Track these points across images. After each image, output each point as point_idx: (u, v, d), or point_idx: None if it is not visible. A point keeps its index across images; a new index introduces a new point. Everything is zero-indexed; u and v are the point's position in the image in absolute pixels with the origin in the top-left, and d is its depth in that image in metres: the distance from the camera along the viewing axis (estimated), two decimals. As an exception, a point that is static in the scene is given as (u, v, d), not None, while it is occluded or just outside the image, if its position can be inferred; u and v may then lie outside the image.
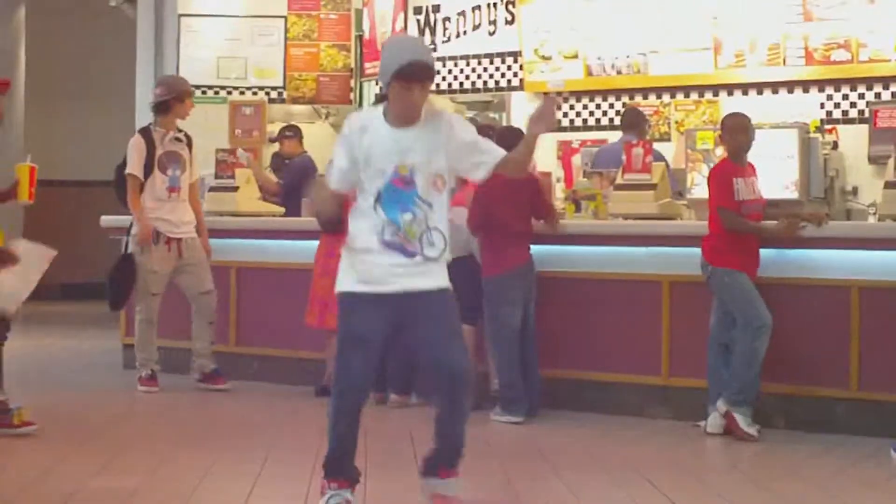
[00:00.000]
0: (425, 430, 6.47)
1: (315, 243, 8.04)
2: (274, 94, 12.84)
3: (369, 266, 4.86)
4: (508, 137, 7.53)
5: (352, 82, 12.81)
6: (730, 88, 10.50)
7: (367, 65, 12.51)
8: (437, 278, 4.88)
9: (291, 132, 11.35)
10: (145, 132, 8.66)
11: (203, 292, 8.48)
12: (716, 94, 10.54)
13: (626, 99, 11.08)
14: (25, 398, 6.62)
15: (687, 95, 10.72)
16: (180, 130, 8.68)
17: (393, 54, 4.79)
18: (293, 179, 10.45)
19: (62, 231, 16.06)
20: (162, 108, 8.60)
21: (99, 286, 8.85)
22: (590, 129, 11.21)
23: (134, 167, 8.51)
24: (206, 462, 5.99)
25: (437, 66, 12.03)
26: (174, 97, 8.58)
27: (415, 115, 4.79)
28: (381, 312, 4.83)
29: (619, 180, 8.05)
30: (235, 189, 9.27)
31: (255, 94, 12.80)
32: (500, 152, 4.90)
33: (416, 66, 4.71)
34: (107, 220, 9.58)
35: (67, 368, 9.93)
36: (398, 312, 4.84)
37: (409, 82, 4.71)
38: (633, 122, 9.80)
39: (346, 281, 4.95)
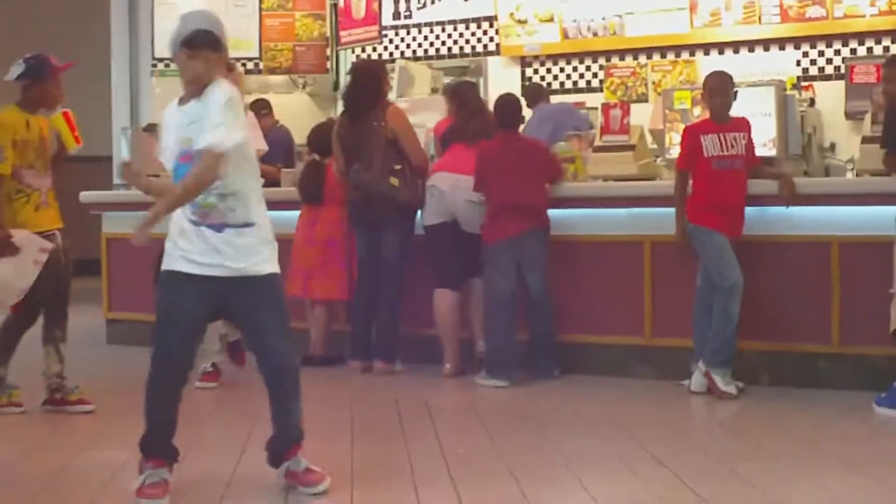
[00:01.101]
0: (411, 397, 6.53)
1: (295, 213, 8.05)
2: (250, 66, 12.80)
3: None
4: (502, 113, 7.59)
5: (328, 51, 12.78)
6: (706, 48, 10.55)
7: (342, 33, 12.48)
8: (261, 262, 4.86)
9: (266, 109, 11.29)
10: None
11: None
12: (692, 54, 10.59)
13: (602, 61, 11.10)
14: (11, 374, 6.61)
15: (664, 56, 10.76)
16: None
17: (180, 26, 4.77)
18: (276, 152, 10.43)
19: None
20: None
21: (80, 262, 8.84)
22: (567, 91, 11.24)
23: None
24: (193, 433, 5.99)
25: (413, 32, 12.10)
26: None
27: (195, 89, 4.73)
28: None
29: (597, 142, 8.07)
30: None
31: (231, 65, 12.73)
32: (205, 142, 4.65)
33: (199, 34, 4.70)
34: (86, 195, 9.55)
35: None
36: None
37: (192, 50, 4.69)
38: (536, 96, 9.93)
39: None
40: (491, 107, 7.82)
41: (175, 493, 4.85)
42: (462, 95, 8.03)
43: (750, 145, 7.00)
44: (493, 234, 7.36)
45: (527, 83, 11.41)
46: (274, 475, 4.99)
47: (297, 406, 4.94)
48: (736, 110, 7.08)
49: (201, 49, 4.70)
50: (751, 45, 10.38)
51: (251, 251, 4.81)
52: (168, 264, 4.91)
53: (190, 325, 4.88)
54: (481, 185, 7.39)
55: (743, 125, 7.05)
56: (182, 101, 4.80)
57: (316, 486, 4.88)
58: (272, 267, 4.88)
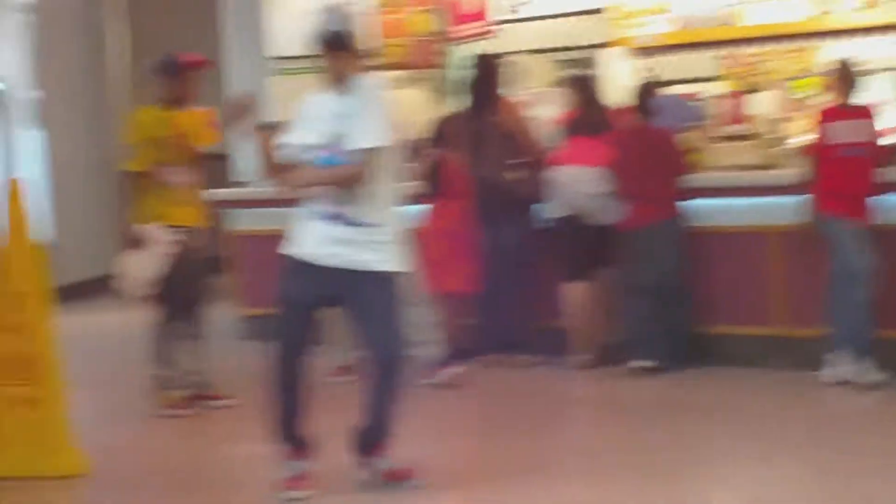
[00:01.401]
0: (543, 390, 6.50)
1: (420, 207, 8.13)
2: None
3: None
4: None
5: (439, 46, 12.81)
6: (825, 35, 10.39)
7: (454, 28, 12.50)
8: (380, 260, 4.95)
9: None
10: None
11: None
12: (811, 41, 10.43)
13: (717, 51, 11.00)
14: (142, 369, 6.77)
15: (781, 44, 10.62)
16: None
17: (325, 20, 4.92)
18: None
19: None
20: None
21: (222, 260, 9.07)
22: (682, 82, 11.13)
23: None
24: (327, 425, 6.08)
25: (527, 26, 12.07)
26: None
27: (338, 85, 4.86)
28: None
29: (715, 132, 8.03)
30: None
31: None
32: (360, 143, 4.84)
33: (335, 35, 4.87)
34: (215, 193, 9.72)
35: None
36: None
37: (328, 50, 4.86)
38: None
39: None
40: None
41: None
42: (581, 87, 8.05)
43: (877, 132, 6.92)
44: (623, 223, 7.44)
45: (640, 74, 11.36)
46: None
47: (393, 404, 4.98)
48: (859, 98, 7.01)
49: (338, 50, 4.77)
50: (869, 31, 10.23)
51: (374, 248, 4.86)
52: (288, 250, 5.00)
53: (305, 312, 4.94)
54: (613, 173, 7.44)
55: (868, 112, 6.99)
56: (328, 91, 4.90)
57: (410, 481, 4.97)
58: (392, 265, 4.93)
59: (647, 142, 7.48)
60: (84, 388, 6.29)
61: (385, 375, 4.93)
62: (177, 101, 6.79)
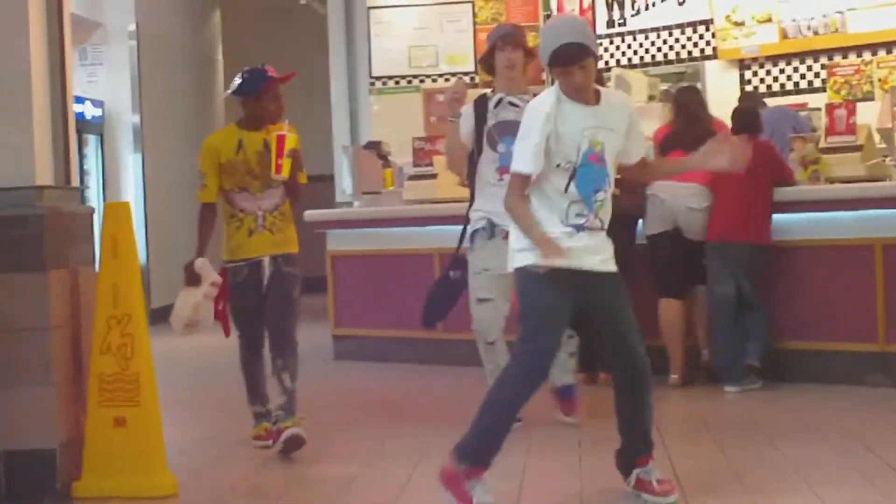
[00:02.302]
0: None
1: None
2: (466, 80, 12.89)
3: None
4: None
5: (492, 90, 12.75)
6: (935, 41, 10.15)
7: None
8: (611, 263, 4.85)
9: None
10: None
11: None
12: (921, 48, 10.20)
13: (824, 60, 10.80)
14: (243, 391, 6.78)
15: (889, 52, 10.40)
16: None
17: (546, 41, 4.66)
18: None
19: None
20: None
21: (306, 280, 9.03)
22: (788, 93, 10.97)
23: None
24: (422, 447, 6.05)
25: (628, 40, 12.00)
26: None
27: (585, 97, 4.67)
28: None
29: (823, 143, 7.85)
30: (434, 176, 9.31)
31: (447, 80, 12.87)
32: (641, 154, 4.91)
33: (564, 51, 4.57)
34: (311, 214, 9.76)
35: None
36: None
37: (566, 66, 4.60)
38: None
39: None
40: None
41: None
42: (680, 102, 7.93)
43: None
44: (714, 235, 7.43)
45: (745, 86, 11.21)
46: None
47: (650, 412, 4.88)
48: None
49: (585, 60, 4.62)
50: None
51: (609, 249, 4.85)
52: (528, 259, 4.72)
53: (562, 322, 4.80)
54: (713, 186, 7.38)
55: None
56: (573, 98, 4.67)
57: (667, 497, 4.82)
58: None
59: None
60: (173, 410, 6.34)
61: (645, 384, 4.84)
62: (256, 120, 6.23)
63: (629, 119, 4.79)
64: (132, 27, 13.38)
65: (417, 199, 9.29)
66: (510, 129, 5.65)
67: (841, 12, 10.53)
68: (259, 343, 6.36)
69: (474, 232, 6.44)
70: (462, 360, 8.70)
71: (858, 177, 7.53)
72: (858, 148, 7.66)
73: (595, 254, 4.75)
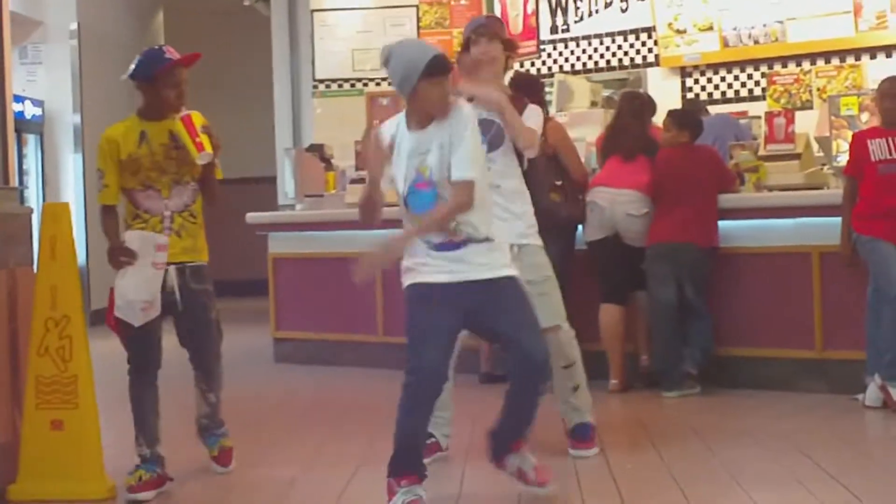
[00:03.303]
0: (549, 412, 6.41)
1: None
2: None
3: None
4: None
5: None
6: (872, 51, 10.27)
7: (500, 49, 12.49)
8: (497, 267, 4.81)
9: None
10: None
11: (549, 327, 5.50)
12: (858, 58, 10.32)
13: (764, 69, 10.91)
14: (182, 393, 6.72)
15: (828, 61, 10.51)
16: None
17: (413, 56, 4.73)
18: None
19: (208, 230, 16.48)
20: None
21: (247, 283, 8.99)
22: (729, 101, 11.06)
23: None
24: (361, 450, 6.06)
25: (571, 46, 12.05)
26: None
27: (441, 113, 4.71)
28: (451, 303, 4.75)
29: (761, 151, 7.93)
30: (376, 180, 9.29)
31: (390, 84, 12.84)
32: (462, 174, 4.70)
33: (438, 60, 4.68)
34: (252, 216, 9.73)
35: (223, 362, 10.07)
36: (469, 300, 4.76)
37: (441, 76, 4.68)
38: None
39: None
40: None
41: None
42: (617, 108, 8.00)
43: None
44: (649, 236, 7.47)
45: (687, 94, 11.29)
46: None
47: (536, 404, 4.88)
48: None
49: (442, 75, 4.69)
50: (921, 47, 10.10)
51: (491, 259, 4.79)
52: (411, 279, 4.81)
53: (445, 338, 4.78)
54: (656, 192, 7.43)
55: (916, 129, 6.86)
56: (411, 125, 4.77)
57: (545, 487, 4.88)
58: (510, 270, 4.84)
59: (690, 160, 7.41)
60: (112, 413, 6.26)
61: (538, 374, 4.81)
62: (156, 109, 5.49)
63: (458, 137, 4.70)
64: (73, 26, 13.26)
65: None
66: (483, 128, 5.39)
67: (781, 22, 10.63)
68: (153, 366, 5.48)
69: None
70: (402, 364, 8.69)
71: (797, 185, 7.62)
72: (797, 156, 7.75)
73: (460, 263, 4.73)
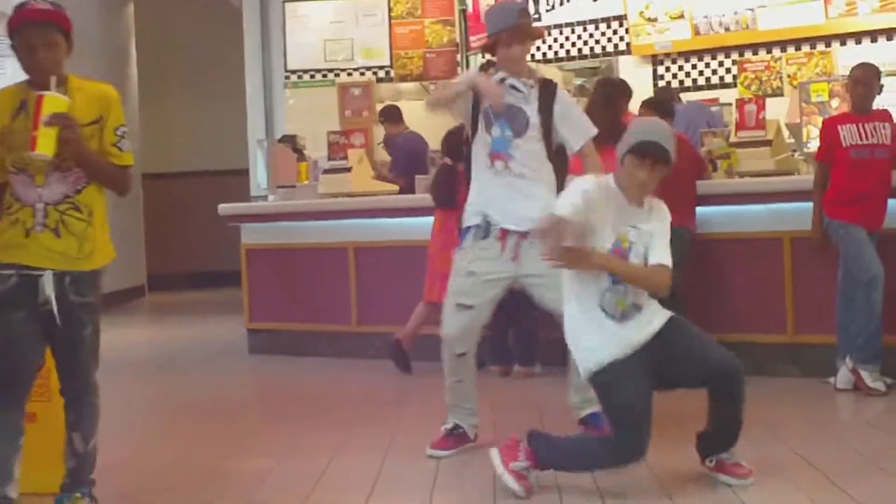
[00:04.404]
0: (551, 400, 6.48)
1: (430, 219, 8.07)
2: (381, 74, 12.91)
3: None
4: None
5: (458, 57, 12.82)
6: (842, 38, 10.33)
7: (471, 38, 12.52)
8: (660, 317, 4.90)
9: (382, 117, 11.33)
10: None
11: None
12: (828, 45, 10.38)
13: (735, 56, 10.95)
14: (158, 385, 6.74)
15: (798, 48, 10.57)
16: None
17: (633, 132, 4.82)
18: (399, 157, 10.52)
19: (180, 222, 16.46)
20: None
21: (221, 274, 8.97)
22: (700, 88, 11.11)
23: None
24: (336, 439, 6.06)
25: (543, 34, 12.05)
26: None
27: (640, 196, 4.85)
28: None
29: (733, 138, 7.96)
30: (348, 170, 9.32)
31: (362, 74, 12.89)
32: (662, 260, 4.85)
33: (648, 145, 4.75)
34: (225, 208, 9.70)
35: (196, 354, 10.10)
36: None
37: (643, 159, 4.76)
38: None
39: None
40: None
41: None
42: (591, 95, 8.00)
43: (892, 136, 6.83)
44: None
45: (659, 82, 11.33)
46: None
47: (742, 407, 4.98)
48: (877, 100, 6.92)
49: (647, 159, 4.76)
50: (888, 33, 10.15)
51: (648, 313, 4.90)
52: (601, 358, 4.80)
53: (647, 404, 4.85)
54: None
55: (885, 116, 6.89)
56: (626, 195, 4.82)
57: (745, 479, 4.91)
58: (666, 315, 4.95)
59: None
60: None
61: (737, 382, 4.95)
62: (32, 76, 4.47)
63: (662, 227, 4.93)
64: (43, 18, 13.16)
65: (332, 193, 9.29)
66: (507, 113, 5.52)
67: (752, 9, 10.68)
68: (14, 387, 4.48)
69: (467, 229, 5.73)
70: (376, 354, 8.72)
71: (768, 171, 7.65)
72: (768, 143, 7.78)
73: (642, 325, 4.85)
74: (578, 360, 4.89)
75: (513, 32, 5.57)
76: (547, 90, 5.64)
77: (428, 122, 11.17)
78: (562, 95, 5.69)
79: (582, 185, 4.77)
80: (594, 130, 5.74)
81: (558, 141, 5.64)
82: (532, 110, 5.57)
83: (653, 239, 4.82)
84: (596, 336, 4.80)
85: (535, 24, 11.98)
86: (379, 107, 12.33)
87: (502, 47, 5.60)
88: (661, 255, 4.81)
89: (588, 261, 4.73)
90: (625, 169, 4.79)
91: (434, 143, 9.57)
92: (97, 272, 4.56)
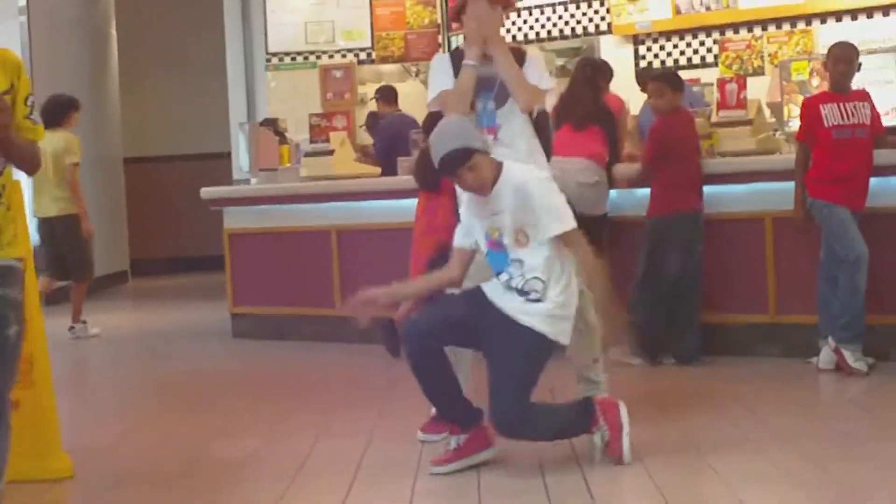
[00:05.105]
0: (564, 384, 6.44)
1: (414, 202, 8.05)
2: (363, 56, 12.89)
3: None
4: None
5: (439, 38, 12.80)
6: (823, 16, 10.34)
7: (453, 19, 12.48)
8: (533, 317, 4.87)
9: (378, 94, 11.36)
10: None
11: None
12: (809, 24, 10.38)
13: (716, 35, 10.95)
14: (141, 369, 6.73)
15: (779, 27, 10.57)
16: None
17: (435, 147, 4.88)
18: (383, 138, 10.49)
19: (163, 206, 16.43)
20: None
21: (203, 258, 8.94)
22: (681, 68, 11.07)
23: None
24: (320, 423, 6.08)
25: (524, 15, 12.04)
26: None
27: (482, 192, 4.87)
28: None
29: (714, 118, 7.96)
30: (331, 153, 9.30)
31: (343, 56, 12.87)
32: (559, 229, 4.86)
33: (447, 158, 4.81)
34: (207, 192, 9.68)
35: (180, 339, 10.10)
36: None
37: (452, 174, 4.87)
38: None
39: None
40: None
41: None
42: (572, 75, 7.99)
43: (875, 114, 6.84)
44: (668, 205, 7.31)
45: (640, 61, 11.33)
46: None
47: None
48: (856, 80, 6.93)
49: (470, 161, 4.80)
50: (869, 11, 10.15)
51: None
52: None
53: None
54: (659, 154, 7.31)
55: (863, 96, 6.90)
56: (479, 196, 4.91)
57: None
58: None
59: (691, 124, 7.41)
60: (71, 391, 6.25)
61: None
62: None
63: (533, 200, 4.86)
64: (22, 2, 13.11)
65: (314, 176, 9.28)
66: (486, 85, 5.44)
67: (733, -12, 10.68)
68: None
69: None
70: (360, 338, 8.70)
71: (749, 150, 7.65)
72: (749, 122, 7.78)
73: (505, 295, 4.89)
74: None
75: None
76: (518, 56, 5.53)
77: (409, 106, 11.19)
78: (531, 58, 5.60)
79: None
80: (549, 84, 5.68)
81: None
82: None
83: (522, 216, 4.83)
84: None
85: (516, 5, 12.07)
86: (361, 89, 12.32)
87: (471, 4, 5.45)
88: (550, 225, 4.84)
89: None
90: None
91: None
92: (13, 266, 3.98)
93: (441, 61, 5.70)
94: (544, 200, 4.89)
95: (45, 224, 9.65)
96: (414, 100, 11.54)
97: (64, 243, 9.57)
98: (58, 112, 9.75)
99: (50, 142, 9.01)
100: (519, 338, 4.86)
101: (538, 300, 4.85)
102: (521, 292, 4.86)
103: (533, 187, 4.89)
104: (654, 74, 8.17)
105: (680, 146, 7.31)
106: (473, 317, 4.94)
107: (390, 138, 10.14)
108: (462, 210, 5.07)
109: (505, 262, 4.87)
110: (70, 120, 9.91)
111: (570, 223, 4.88)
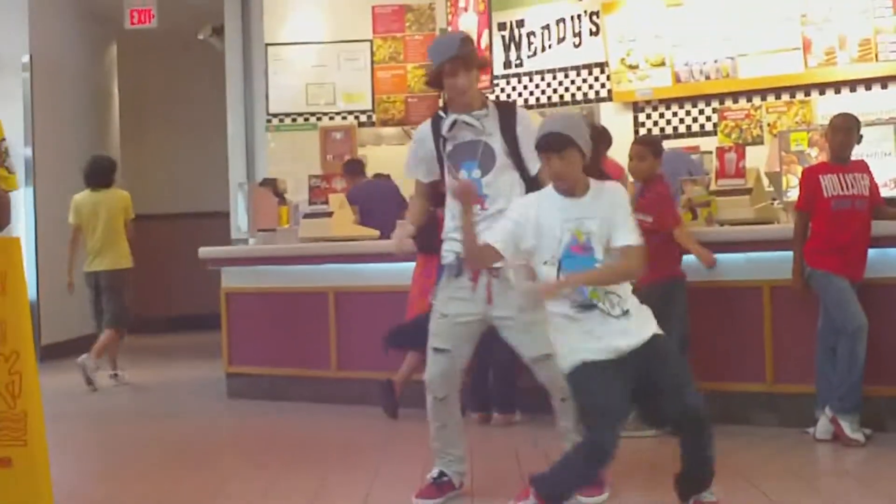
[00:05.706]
0: (531, 449, 6.46)
1: (411, 265, 8.06)
2: (363, 118, 12.96)
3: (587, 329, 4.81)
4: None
5: (440, 101, 12.84)
6: (822, 87, 10.41)
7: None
8: (643, 328, 4.86)
9: (343, 168, 11.07)
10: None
11: (540, 356, 5.41)
12: (808, 94, 10.45)
13: (716, 104, 11.02)
14: (135, 427, 6.70)
15: (778, 97, 10.64)
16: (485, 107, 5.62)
17: (546, 123, 4.87)
18: (359, 209, 10.40)
19: (161, 264, 16.41)
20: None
21: (200, 317, 8.93)
22: (681, 136, 11.16)
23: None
24: (313, 485, 6.04)
25: (525, 80, 12.13)
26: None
27: (563, 184, 4.84)
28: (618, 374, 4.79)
29: (713, 186, 7.98)
30: (329, 214, 9.31)
31: (344, 118, 12.94)
32: (627, 240, 4.84)
33: (549, 136, 4.77)
34: (205, 251, 9.68)
35: (174, 398, 10.06)
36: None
37: (544, 153, 4.82)
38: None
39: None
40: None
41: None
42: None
43: (874, 186, 6.87)
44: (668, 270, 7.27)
45: (640, 129, 11.38)
46: None
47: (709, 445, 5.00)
48: (855, 151, 6.96)
49: (566, 150, 4.77)
50: (867, 83, 10.23)
51: (637, 325, 4.87)
52: (578, 357, 4.79)
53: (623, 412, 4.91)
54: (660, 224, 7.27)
55: (863, 166, 6.93)
56: (561, 192, 4.86)
57: None
58: (656, 328, 4.92)
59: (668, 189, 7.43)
60: (63, 448, 6.21)
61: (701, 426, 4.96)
62: None
63: (616, 207, 4.86)
64: (26, 58, 13.19)
65: (313, 237, 9.27)
66: (469, 152, 5.48)
67: (732, 58, 10.75)
68: None
69: (441, 268, 5.76)
70: (356, 400, 8.69)
71: (748, 219, 7.67)
72: (748, 191, 7.80)
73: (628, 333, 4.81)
74: (559, 357, 4.88)
75: (455, 61, 5.45)
76: (506, 112, 5.56)
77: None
78: (522, 116, 5.59)
79: (510, 210, 4.97)
80: None
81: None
82: (494, 140, 5.48)
83: (609, 223, 4.80)
84: (576, 336, 4.79)
85: (517, 71, 12.16)
86: (361, 151, 12.35)
87: (447, 78, 5.49)
88: (623, 235, 4.81)
89: (559, 291, 4.77)
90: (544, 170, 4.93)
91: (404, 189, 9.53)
92: None
93: (421, 131, 5.80)
94: (629, 211, 4.94)
95: (106, 277, 10.79)
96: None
97: (125, 294, 10.90)
98: (107, 174, 10.85)
99: (105, 201, 10.77)
100: (658, 348, 4.85)
101: (627, 311, 4.82)
102: (615, 316, 4.80)
103: (623, 198, 4.95)
104: (637, 138, 8.21)
105: (672, 210, 7.34)
106: (630, 378, 4.81)
107: (362, 206, 10.03)
108: (511, 218, 4.93)
109: (591, 264, 4.79)
110: (114, 179, 11.00)
111: (640, 238, 4.89)
